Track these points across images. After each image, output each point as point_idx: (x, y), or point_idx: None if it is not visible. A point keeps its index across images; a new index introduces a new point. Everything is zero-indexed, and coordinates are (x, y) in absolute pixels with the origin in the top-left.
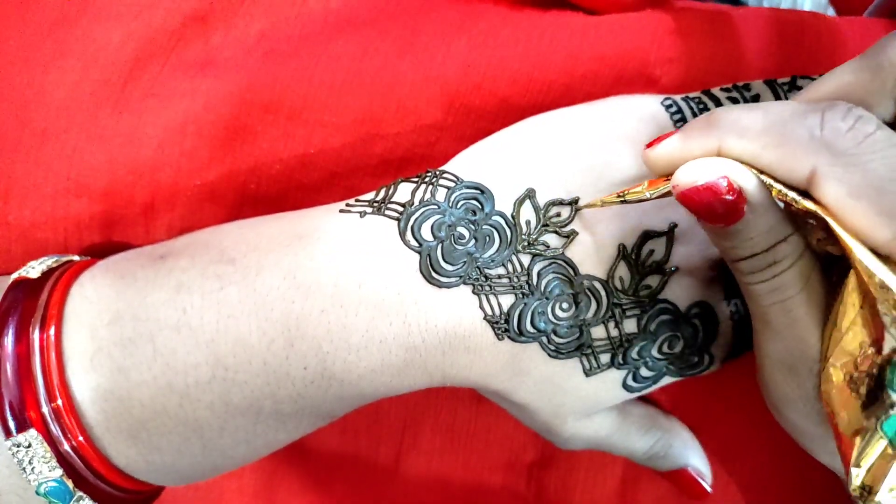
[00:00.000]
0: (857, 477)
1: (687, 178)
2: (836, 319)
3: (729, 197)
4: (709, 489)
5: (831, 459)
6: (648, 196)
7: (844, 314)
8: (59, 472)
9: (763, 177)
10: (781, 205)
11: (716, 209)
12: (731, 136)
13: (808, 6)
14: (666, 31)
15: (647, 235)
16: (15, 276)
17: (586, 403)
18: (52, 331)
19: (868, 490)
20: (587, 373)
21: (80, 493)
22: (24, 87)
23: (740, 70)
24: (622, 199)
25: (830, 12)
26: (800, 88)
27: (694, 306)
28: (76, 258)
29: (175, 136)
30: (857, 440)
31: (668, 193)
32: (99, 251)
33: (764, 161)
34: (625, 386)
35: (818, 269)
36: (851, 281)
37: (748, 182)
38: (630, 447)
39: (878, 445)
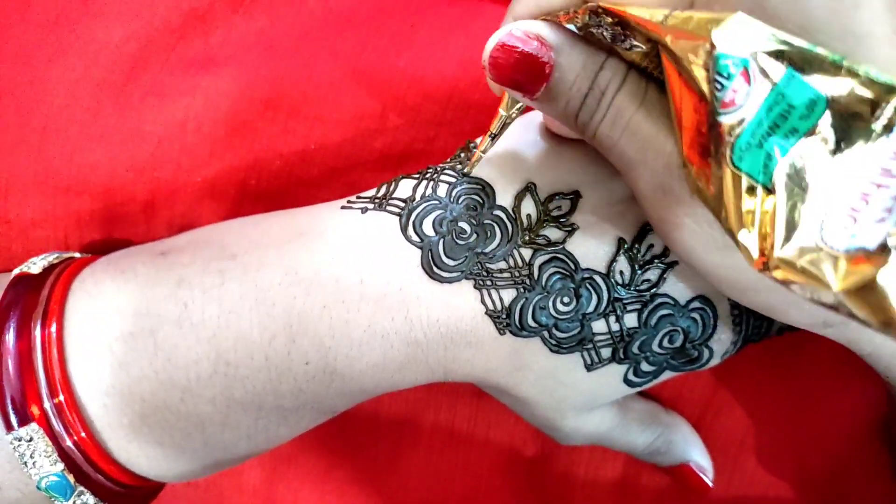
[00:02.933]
0: (752, 241)
1: (485, 51)
2: (672, 110)
3: (527, 48)
4: (710, 484)
5: (745, 289)
6: (505, 113)
7: (672, 96)
8: (60, 466)
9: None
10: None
11: (525, 65)
12: (514, 7)
13: None
14: None
15: (647, 229)
16: (16, 271)
17: (587, 398)
18: (53, 326)
19: (768, 252)
20: (588, 367)
21: (81, 488)
22: (24, 86)
23: None
24: (492, 135)
25: None
26: None
27: (694, 300)
28: (77, 255)
29: (175, 133)
30: (730, 204)
31: (514, 101)
32: (99, 248)
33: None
34: (626, 381)
35: (654, 86)
36: (665, 63)
37: (536, 26)
38: (631, 442)
39: (741, 186)
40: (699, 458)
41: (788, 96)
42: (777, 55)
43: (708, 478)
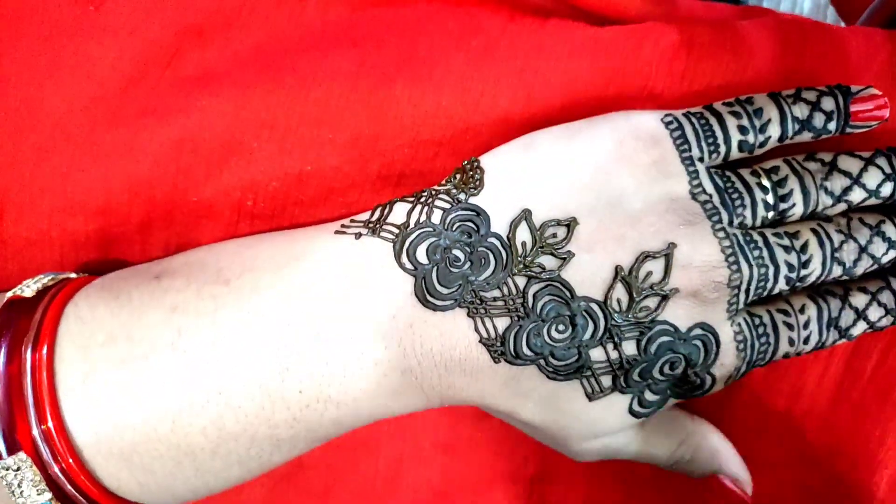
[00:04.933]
0: None
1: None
2: None
3: None
4: (748, 494)
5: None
6: None
7: None
8: (47, 496)
9: None
10: None
11: None
12: None
13: (807, 5)
14: (669, 44)
15: (645, 257)
16: (9, 294)
17: (591, 428)
18: (44, 351)
19: None
20: (590, 397)
21: None
22: (18, 104)
23: (743, 83)
24: None
25: (830, 11)
26: (805, 101)
27: (695, 327)
28: (73, 275)
29: (171, 152)
30: None
31: None
32: (95, 268)
33: None
34: (631, 411)
35: None
36: None
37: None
38: (651, 454)
39: None
40: (731, 468)
41: None
42: None
43: (745, 491)
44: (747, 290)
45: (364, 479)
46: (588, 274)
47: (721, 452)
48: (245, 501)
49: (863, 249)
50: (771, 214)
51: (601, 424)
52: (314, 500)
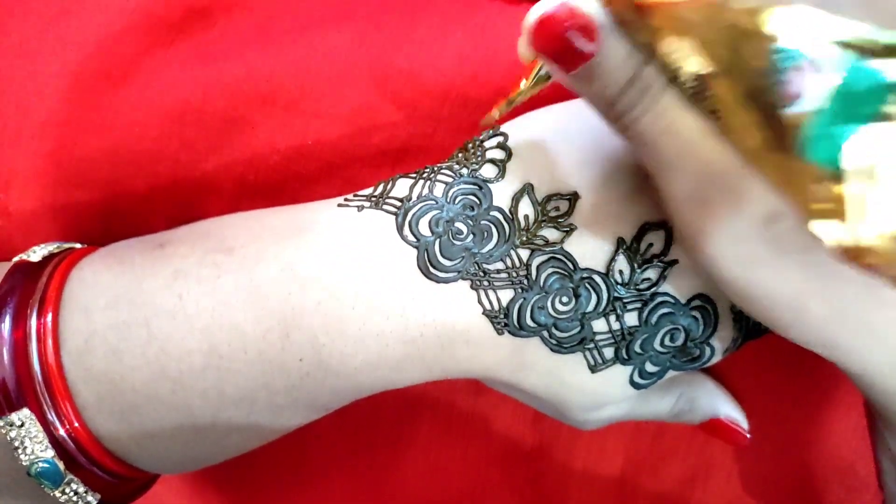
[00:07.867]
0: (827, 231)
1: (530, 16)
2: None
3: (576, 21)
4: (747, 435)
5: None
6: (525, 86)
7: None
8: (50, 452)
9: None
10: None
11: (570, 41)
12: None
13: None
14: None
15: (645, 228)
16: (16, 259)
17: (593, 399)
18: (49, 318)
19: (844, 240)
20: (592, 368)
21: (71, 476)
22: (24, 79)
23: None
24: (511, 102)
25: None
26: None
27: (694, 298)
28: (78, 245)
29: (174, 127)
30: (801, 195)
31: (545, 77)
32: (99, 241)
33: None
34: (632, 382)
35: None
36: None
37: (588, 3)
38: (653, 411)
39: (812, 177)
40: (728, 410)
41: (852, 84)
42: (839, 43)
43: (742, 428)
44: None
45: (363, 459)
46: (590, 246)
47: (717, 397)
48: (244, 480)
49: None
50: None
51: (603, 395)
52: (313, 481)
